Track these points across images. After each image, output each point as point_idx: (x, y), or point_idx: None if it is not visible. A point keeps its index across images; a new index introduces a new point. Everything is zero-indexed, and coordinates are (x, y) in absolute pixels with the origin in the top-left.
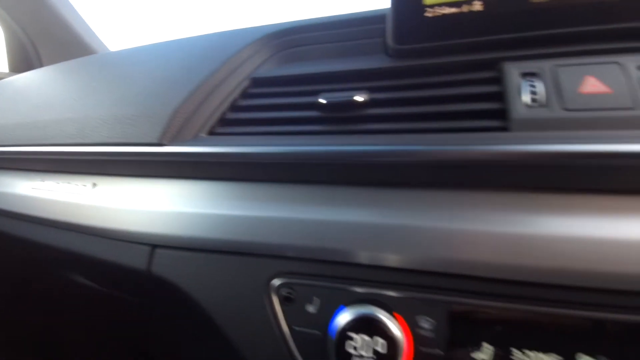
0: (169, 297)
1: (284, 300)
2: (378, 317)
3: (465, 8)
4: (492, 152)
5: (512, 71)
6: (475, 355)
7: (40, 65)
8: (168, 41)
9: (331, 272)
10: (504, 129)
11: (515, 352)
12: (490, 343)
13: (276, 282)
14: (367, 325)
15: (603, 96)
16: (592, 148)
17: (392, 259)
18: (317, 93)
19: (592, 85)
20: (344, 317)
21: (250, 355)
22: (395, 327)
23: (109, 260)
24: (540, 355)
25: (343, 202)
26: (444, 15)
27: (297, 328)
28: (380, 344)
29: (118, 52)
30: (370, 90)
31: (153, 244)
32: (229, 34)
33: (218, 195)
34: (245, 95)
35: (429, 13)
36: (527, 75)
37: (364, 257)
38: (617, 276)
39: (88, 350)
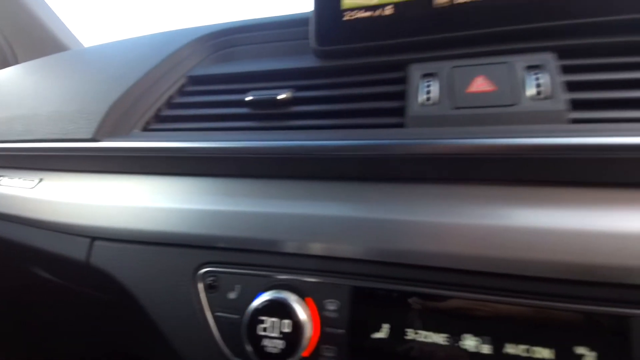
0: (109, 289)
1: (209, 288)
2: (286, 301)
3: (378, 12)
4: (358, 147)
5: (415, 72)
6: (374, 335)
7: (16, 64)
8: (120, 40)
9: (253, 261)
10: (401, 125)
11: (410, 332)
12: (388, 323)
13: (202, 270)
14: (277, 309)
15: (488, 94)
16: (436, 143)
17: (307, 247)
18: (248, 91)
19: (479, 84)
20: (258, 302)
21: (178, 342)
22: (301, 310)
23: (54, 252)
24: (431, 334)
25: (264, 195)
26: (360, 18)
27: (218, 314)
28: (287, 325)
29: (75, 51)
30: (295, 88)
31: (92, 236)
32: (171, 33)
33: (152, 189)
34: (181, 92)
35: (346, 17)
36: (427, 75)
37: (283, 245)
38: (499, 260)
39: (59, 343)
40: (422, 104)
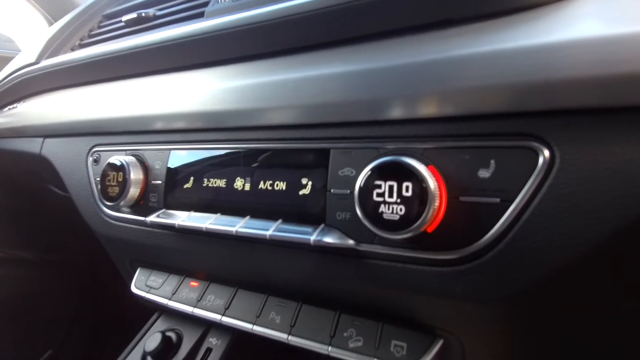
0: (52, 175)
1: (94, 162)
2: (127, 163)
3: None
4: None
5: None
6: (184, 185)
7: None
8: None
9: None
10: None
11: (205, 180)
12: (192, 176)
13: (92, 150)
14: (117, 169)
15: None
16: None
17: (149, 124)
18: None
19: None
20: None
21: (78, 201)
22: (137, 170)
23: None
24: (217, 180)
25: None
26: None
27: (97, 179)
28: (133, 179)
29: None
30: (158, 9)
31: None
32: None
33: (62, 99)
34: (99, 26)
35: None
36: None
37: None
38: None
39: None
40: (216, 3)
